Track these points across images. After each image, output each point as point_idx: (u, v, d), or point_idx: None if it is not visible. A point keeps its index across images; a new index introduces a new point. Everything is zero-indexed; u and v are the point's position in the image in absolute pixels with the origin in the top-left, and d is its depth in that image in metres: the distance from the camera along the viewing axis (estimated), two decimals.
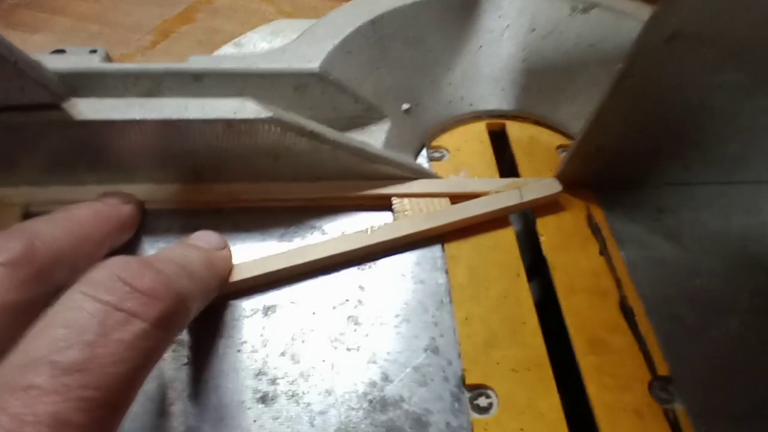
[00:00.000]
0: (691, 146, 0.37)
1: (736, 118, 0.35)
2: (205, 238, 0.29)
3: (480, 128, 0.43)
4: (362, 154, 0.35)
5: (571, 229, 0.36)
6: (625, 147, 0.36)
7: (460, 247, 0.35)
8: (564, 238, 0.36)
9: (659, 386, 0.29)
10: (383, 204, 0.37)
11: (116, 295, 0.17)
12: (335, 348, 0.30)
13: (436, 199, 0.36)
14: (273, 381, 0.28)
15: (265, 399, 0.28)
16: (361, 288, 0.33)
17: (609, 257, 0.35)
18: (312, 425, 0.27)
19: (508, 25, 0.42)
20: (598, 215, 0.37)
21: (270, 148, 0.34)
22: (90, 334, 0.15)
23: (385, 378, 0.29)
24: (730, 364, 0.30)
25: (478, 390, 0.29)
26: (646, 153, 0.37)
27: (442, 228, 0.35)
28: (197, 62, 0.35)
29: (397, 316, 0.31)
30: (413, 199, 0.36)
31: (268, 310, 0.31)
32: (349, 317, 0.31)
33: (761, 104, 0.33)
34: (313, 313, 0.31)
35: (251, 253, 0.34)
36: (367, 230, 0.34)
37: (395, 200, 0.36)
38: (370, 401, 0.28)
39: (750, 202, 0.38)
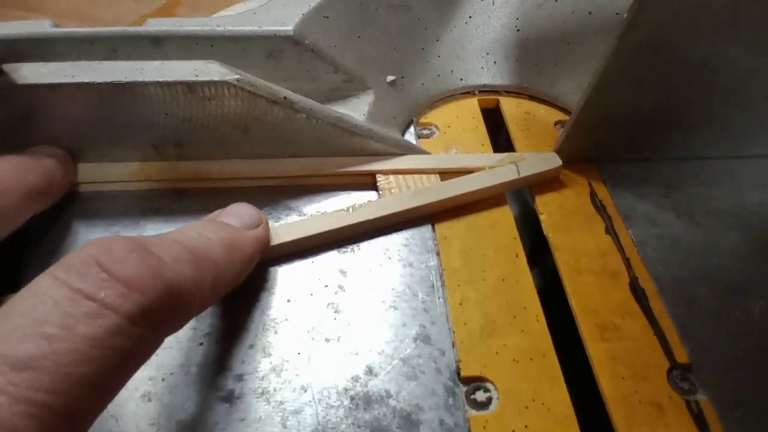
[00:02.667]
0: (699, 116, 0.34)
1: (745, 85, 0.32)
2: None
3: (472, 104, 0.40)
4: (342, 124, 0.32)
5: (574, 206, 0.33)
6: (630, 115, 0.33)
7: (452, 227, 0.32)
8: (566, 217, 0.32)
9: (679, 375, 0.26)
10: (366, 182, 0.34)
11: (89, 281, 0.14)
12: (312, 339, 0.26)
13: (425, 176, 0.33)
14: (239, 377, 0.25)
15: (230, 398, 0.24)
16: (342, 272, 0.29)
17: (616, 236, 0.31)
18: (284, 426, 0.23)
19: None
20: (602, 192, 0.34)
21: (238, 119, 0.30)
22: (50, 326, 0.12)
23: (370, 371, 0.25)
24: (755, 351, 0.27)
25: (475, 383, 0.25)
26: (651, 123, 0.34)
27: (431, 206, 0.31)
28: (156, 24, 0.32)
29: (382, 302, 0.28)
30: (400, 176, 0.33)
31: (235, 297, 0.28)
32: (329, 304, 0.28)
33: None
34: (288, 301, 0.28)
35: None
36: (348, 209, 0.30)
37: (380, 177, 0.33)
38: (352, 398, 0.24)
39: (762, 177, 0.35)
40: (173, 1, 0.89)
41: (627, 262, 0.30)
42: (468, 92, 0.41)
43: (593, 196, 0.34)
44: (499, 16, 0.40)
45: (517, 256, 0.30)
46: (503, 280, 0.29)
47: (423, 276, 0.29)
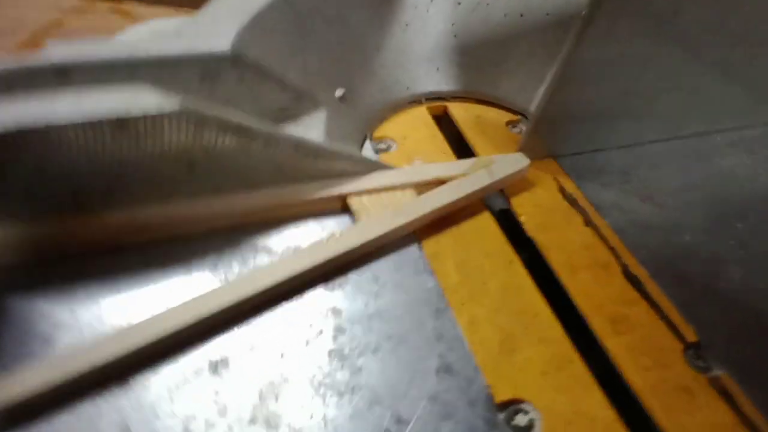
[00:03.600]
0: (644, 104, 0.36)
1: (679, 75, 0.34)
2: None
3: (422, 113, 0.38)
4: (303, 148, 0.28)
5: (548, 204, 0.33)
6: (586, 108, 0.33)
7: (439, 242, 0.30)
8: (544, 215, 0.32)
9: (693, 354, 0.26)
10: (335, 207, 0.30)
11: None
12: (323, 396, 0.22)
13: (399, 192, 0.30)
14: None
15: None
16: (336, 312, 0.25)
17: (596, 227, 0.31)
18: None
19: (432, 0, 0.39)
20: (570, 186, 0.34)
21: (182, 153, 0.26)
22: None
23: (399, 420, 0.22)
24: (750, 318, 0.28)
25: (512, 407, 0.23)
26: (604, 114, 0.34)
27: (414, 223, 0.29)
28: (59, 52, 0.26)
29: (389, 338, 0.25)
30: (373, 195, 0.30)
31: (217, 365, 0.23)
32: (330, 352, 0.24)
33: (701, 64, 0.33)
34: (282, 356, 0.23)
35: (177, 294, 0.25)
36: (326, 240, 0.27)
37: (352, 199, 0.30)
38: None
39: (699, 153, 0.38)
40: (39, 34, 0.78)
41: (613, 251, 0.30)
42: (415, 101, 0.39)
43: (563, 190, 0.34)
44: (434, 23, 0.39)
45: (511, 262, 0.29)
46: (505, 289, 0.28)
47: (424, 299, 0.27)
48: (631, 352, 0.25)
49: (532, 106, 0.39)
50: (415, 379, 0.23)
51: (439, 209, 0.29)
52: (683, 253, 0.30)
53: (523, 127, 0.39)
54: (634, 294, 0.28)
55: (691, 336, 0.26)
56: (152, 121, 0.23)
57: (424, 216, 0.29)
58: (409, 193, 0.30)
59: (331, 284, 0.27)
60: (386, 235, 0.28)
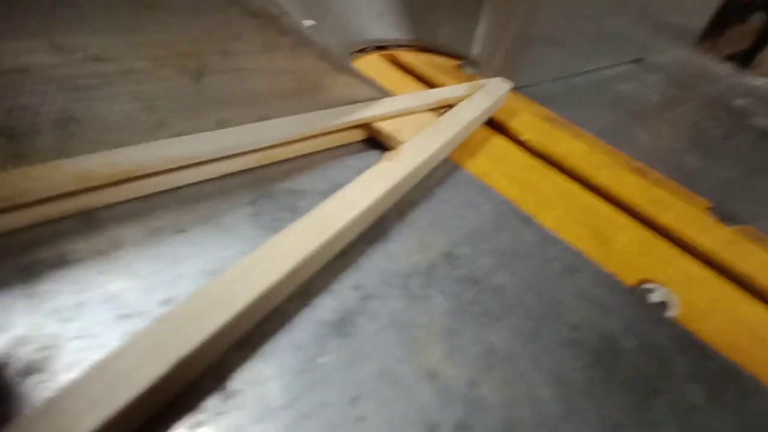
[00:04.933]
0: (575, 36, 0.39)
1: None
2: None
3: (376, 59, 0.35)
4: (329, 57, 0.22)
5: (536, 123, 0.33)
6: (550, 34, 0.35)
7: (477, 164, 0.27)
8: (539, 133, 0.32)
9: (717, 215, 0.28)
10: (357, 137, 0.25)
11: None
12: (483, 324, 0.17)
13: (420, 115, 0.27)
14: None
15: None
16: (433, 240, 0.20)
17: (586, 137, 0.33)
18: None
19: None
20: (540, 109, 0.35)
21: (192, 51, 0.17)
22: None
23: (571, 327, 0.18)
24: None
25: (641, 287, 0.21)
26: (554, 43, 0.37)
27: (455, 140, 0.26)
28: None
29: (502, 253, 0.21)
30: (397, 120, 0.26)
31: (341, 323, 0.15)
32: (461, 279, 0.19)
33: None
34: (410, 298, 0.17)
35: (226, 254, 0.17)
36: (383, 167, 0.21)
37: (380, 123, 0.25)
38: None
39: (601, 83, 0.44)
40: None
41: (611, 152, 0.32)
42: (363, 50, 0.36)
43: (539, 113, 0.34)
44: None
45: (547, 171, 0.28)
46: (561, 192, 0.26)
47: (503, 213, 0.23)
48: (680, 220, 0.27)
49: (473, 50, 0.40)
50: (549, 283, 0.20)
51: (469, 125, 0.27)
52: (643, 148, 0.34)
53: (470, 69, 0.38)
54: (646, 181, 0.30)
55: (705, 203, 0.29)
56: None
57: (462, 132, 0.26)
58: (429, 116, 0.27)
59: (408, 217, 0.21)
60: (439, 153, 0.24)
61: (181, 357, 0.12)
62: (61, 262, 0.15)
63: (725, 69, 0.59)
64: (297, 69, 0.21)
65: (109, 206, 0.17)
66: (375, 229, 0.20)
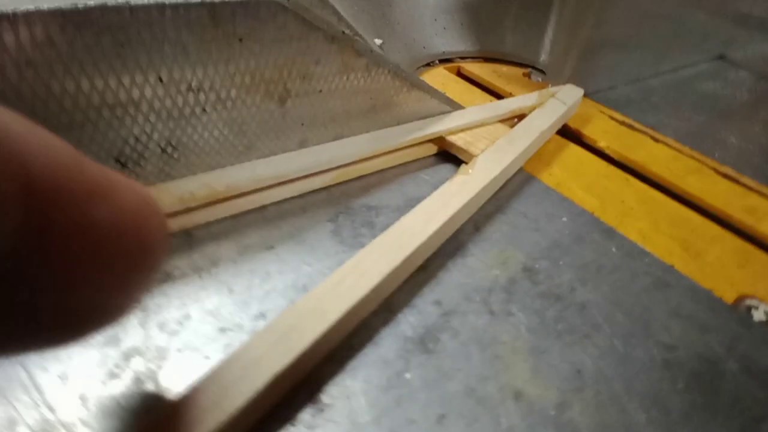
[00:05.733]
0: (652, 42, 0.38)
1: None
2: None
3: (443, 72, 0.35)
4: (401, 76, 0.23)
5: (612, 130, 0.32)
6: (622, 37, 0.34)
7: (552, 174, 0.26)
8: (617, 140, 0.30)
9: None
10: (429, 151, 0.25)
11: None
12: (572, 345, 0.17)
13: (491, 127, 0.26)
14: None
15: None
16: (512, 254, 0.20)
17: (665, 142, 0.31)
18: None
19: None
20: (615, 114, 0.34)
21: (277, 77, 0.19)
22: None
23: (666, 347, 0.17)
24: None
25: (742, 304, 0.20)
26: (627, 47, 0.36)
27: (529, 151, 0.25)
28: None
29: (584, 267, 0.20)
30: (468, 132, 0.26)
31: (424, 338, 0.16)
32: (542, 294, 0.18)
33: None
34: (492, 313, 0.17)
35: (309, 272, 0.17)
36: (459, 180, 0.21)
37: (452, 137, 0.25)
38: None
39: (685, 81, 0.41)
40: None
41: (693, 157, 0.30)
42: (429, 64, 0.36)
43: (613, 118, 0.33)
44: None
45: (627, 179, 0.27)
46: (644, 203, 0.25)
47: (584, 225, 0.23)
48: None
49: (542, 57, 0.39)
50: (638, 300, 0.19)
51: (542, 135, 0.26)
52: (733, 151, 0.32)
53: (538, 77, 0.38)
54: (739, 187, 0.28)
55: None
56: (256, 13, 0.16)
57: (535, 142, 0.25)
58: (501, 127, 0.27)
59: (485, 230, 0.21)
60: (513, 164, 0.24)
61: (278, 371, 0.13)
62: (167, 278, 0.16)
63: None
64: (371, 88, 0.22)
65: (205, 225, 0.19)
66: (452, 243, 0.20)
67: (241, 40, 0.17)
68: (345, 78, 0.21)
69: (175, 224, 0.18)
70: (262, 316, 0.16)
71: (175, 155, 0.18)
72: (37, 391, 0.13)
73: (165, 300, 0.16)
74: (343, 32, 0.19)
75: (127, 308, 0.10)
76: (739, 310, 0.20)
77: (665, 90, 0.40)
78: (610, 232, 0.22)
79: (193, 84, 0.17)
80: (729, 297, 0.20)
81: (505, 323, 0.17)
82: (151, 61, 0.15)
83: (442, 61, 0.37)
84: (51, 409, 0.13)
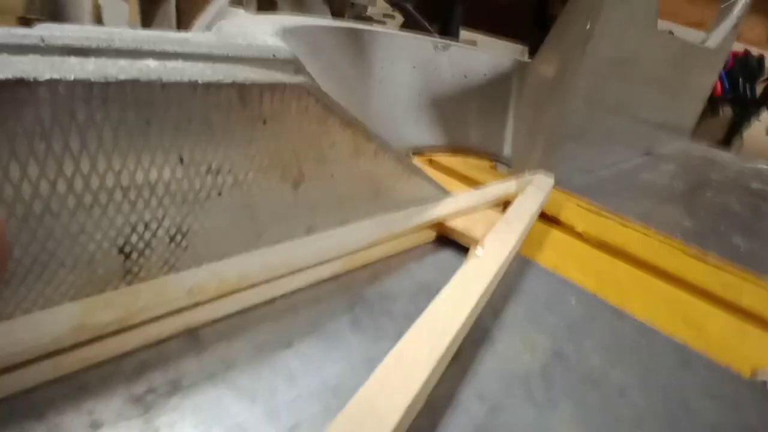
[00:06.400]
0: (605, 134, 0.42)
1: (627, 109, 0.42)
2: None
3: (417, 162, 0.36)
4: (403, 162, 0.23)
5: (582, 215, 0.33)
6: (574, 133, 0.37)
7: (546, 257, 0.26)
8: (590, 224, 0.32)
9: None
10: (429, 236, 0.25)
11: None
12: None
13: (485, 213, 0.27)
14: None
15: None
16: (538, 340, 0.19)
17: (631, 225, 0.33)
18: None
19: (392, 62, 0.39)
20: (578, 200, 0.36)
21: (293, 159, 0.18)
22: None
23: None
24: None
25: (759, 376, 0.20)
26: (583, 140, 0.39)
27: (524, 234, 0.26)
28: (68, 33, 0.16)
29: (606, 348, 0.20)
30: (465, 217, 0.26)
31: None
32: (581, 379, 0.17)
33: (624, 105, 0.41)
34: (534, 404, 0.16)
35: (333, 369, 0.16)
36: (473, 263, 0.21)
37: (453, 222, 0.25)
38: None
39: (627, 174, 0.46)
40: None
41: (660, 235, 0.32)
42: (406, 153, 0.37)
43: (579, 205, 0.35)
44: (401, 82, 0.39)
45: (612, 260, 0.28)
46: (638, 280, 0.26)
47: (592, 307, 0.22)
48: (760, 303, 0.26)
49: (505, 150, 0.41)
50: (669, 381, 0.19)
51: (532, 218, 0.27)
52: (691, 233, 0.34)
53: (503, 169, 0.40)
54: (709, 266, 0.30)
55: None
56: (282, 96, 0.16)
57: (528, 225, 0.26)
58: (492, 212, 0.27)
59: (504, 314, 0.20)
60: (516, 245, 0.24)
61: None
62: (175, 388, 0.14)
63: (726, 156, 0.62)
64: (377, 173, 0.22)
65: (213, 322, 0.16)
66: (476, 330, 0.19)
67: (265, 122, 0.16)
68: (355, 162, 0.20)
69: (180, 322, 0.15)
70: (296, 427, 0.13)
71: (183, 244, 0.16)
72: None
73: (178, 416, 0.13)
74: (359, 120, 0.19)
75: None
76: (757, 383, 0.20)
77: (614, 179, 0.43)
78: (617, 313, 0.23)
79: (213, 165, 0.15)
80: (745, 371, 0.20)
81: (553, 415, 0.16)
82: (174, 141, 0.14)
83: (415, 153, 0.38)
84: None
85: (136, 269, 0.15)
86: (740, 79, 1.28)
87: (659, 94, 0.50)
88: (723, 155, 0.62)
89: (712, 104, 1.19)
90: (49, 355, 0.13)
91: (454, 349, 0.17)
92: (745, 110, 1.34)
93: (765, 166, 0.58)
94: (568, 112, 0.36)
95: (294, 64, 0.17)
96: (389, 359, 0.15)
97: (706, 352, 0.21)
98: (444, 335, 0.16)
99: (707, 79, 0.67)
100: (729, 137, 1.27)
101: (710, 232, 0.35)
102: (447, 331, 0.16)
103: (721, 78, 1.26)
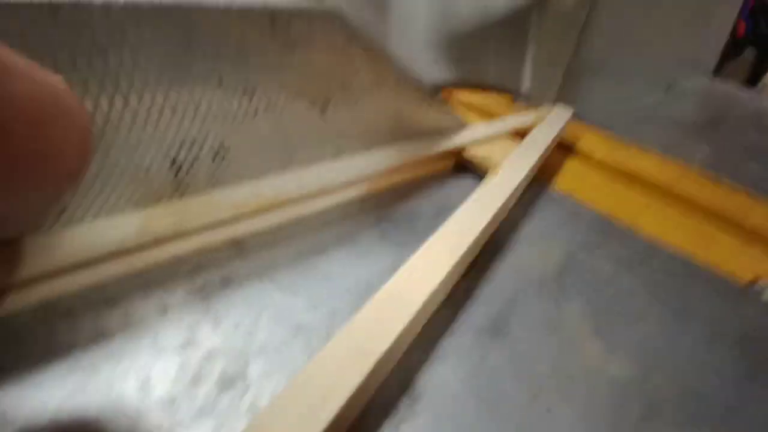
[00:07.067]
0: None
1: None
2: None
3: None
4: (423, 91, 0.24)
5: (599, 143, 0.34)
6: (594, 67, 0.37)
7: (564, 182, 0.27)
8: (608, 151, 0.33)
9: None
10: (448, 164, 0.26)
11: None
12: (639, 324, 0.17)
13: (503, 141, 0.28)
14: None
15: None
16: (554, 251, 0.21)
17: (648, 151, 0.34)
18: None
19: None
20: (601, 131, 0.36)
21: (321, 85, 0.19)
22: None
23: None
24: None
25: (754, 286, 0.21)
26: (602, 74, 0.39)
27: (541, 159, 0.27)
28: None
29: (619, 260, 0.21)
30: (485, 146, 0.27)
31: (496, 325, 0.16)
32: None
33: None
34: (557, 314, 0.17)
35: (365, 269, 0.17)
36: (491, 183, 0.22)
37: (472, 149, 0.26)
38: None
39: (661, 102, 0.45)
40: None
41: (675, 162, 0.33)
42: None
43: (602, 134, 0.36)
44: (420, 18, 0.39)
45: (628, 184, 0.29)
46: (650, 202, 0.27)
47: (604, 224, 0.24)
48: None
49: (524, 85, 0.42)
50: (674, 286, 0.20)
51: (548, 147, 0.28)
52: (708, 159, 0.35)
53: (523, 102, 0.40)
54: (721, 189, 0.30)
55: None
56: (310, 21, 0.17)
57: (544, 153, 0.27)
58: (510, 141, 0.28)
59: (521, 229, 0.22)
60: (532, 170, 0.25)
61: (380, 356, 0.12)
62: (228, 283, 0.16)
63: (748, 92, 0.61)
64: (398, 101, 0.23)
65: (255, 234, 0.18)
66: (493, 243, 0.20)
67: (294, 46, 0.17)
68: (378, 90, 0.21)
69: (226, 233, 0.17)
70: (334, 314, 0.15)
71: (225, 161, 0.17)
72: (118, 400, 0.12)
73: (232, 304, 0.15)
74: (378, 47, 0.20)
75: (51, 205, 0.09)
76: (754, 290, 0.21)
77: (635, 112, 0.43)
78: (629, 230, 0.24)
79: (248, 88, 0.17)
80: (744, 280, 0.22)
81: (566, 309, 0.18)
82: (213, 64, 0.15)
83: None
84: (139, 416, 0.12)
85: (186, 183, 0.17)
86: (762, 19, 1.22)
87: (680, 27, 0.49)
88: (744, 92, 0.61)
89: (735, 46, 1.14)
90: (118, 255, 0.15)
91: (474, 253, 0.19)
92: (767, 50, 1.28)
93: None
94: (586, 45, 0.36)
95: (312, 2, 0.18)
96: (415, 258, 0.16)
97: (710, 263, 0.22)
98: (463, 239, 0.17)
99: (728, 13, 0.64)
100: (753, 79, 1.22)
101: (726, 161, 0.35)
102: (465, 236, 0.18)
103: (743, 18, 1.20)
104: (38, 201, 0.09)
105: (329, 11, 0.17)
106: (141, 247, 0.16)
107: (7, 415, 0.11)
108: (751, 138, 0.42)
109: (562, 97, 0.37)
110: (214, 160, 0.17)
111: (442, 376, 0.14)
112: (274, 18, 0.16)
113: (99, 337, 0.13)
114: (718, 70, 0.76)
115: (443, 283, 0.16)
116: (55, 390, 0.12)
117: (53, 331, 0.13)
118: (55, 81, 0.09)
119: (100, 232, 0.15)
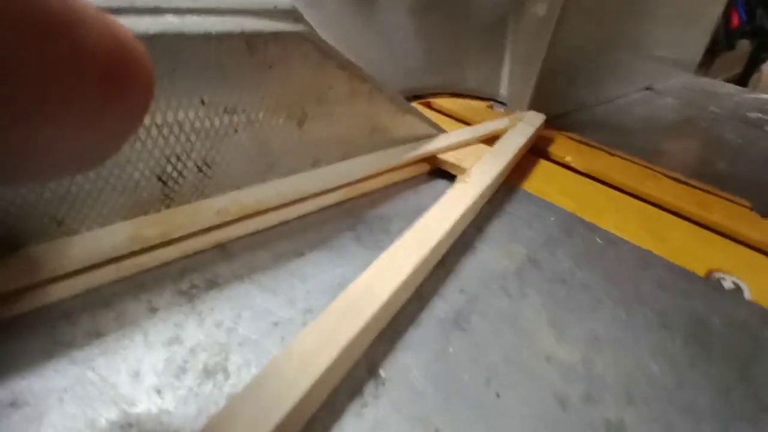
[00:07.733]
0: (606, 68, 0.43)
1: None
2: None
3: (417, 105, 0.38)
4: (397, 101, 0.25)
5: (572, 148, 0.36)
6: (568, 71, 0.39)
7: (531, 184, 0.29)
8: (578, 155, 0.34)
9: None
10: (423, 169, 0.28)
11: None
12: (597, 317, 0.19)
13: (474, 147, 0.29)
14: None
15: None
16: (517, 249, 0.22)
17: (619, 155, 0.35)
18: None
19: (390, 8, 0.41)
20: (575, 136, 0.38)
21: (298, 99, 0.20)
22: None
23: (663, 325, 0.19)
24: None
25: (712, 276, 0.23)
26: (582, 74, 0.41)
27: (511, 164, 0.28)
28: None
29: (576, 255, 0.23)
30: (457, 151, 0.28)
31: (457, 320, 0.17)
32: (551, 279, 0.21)
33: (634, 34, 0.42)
34: (510, 296, 0.19)
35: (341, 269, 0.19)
36: (460, 188, 0.24)
37: (444, 155, 0.27)
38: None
39: (640, 102, 0.47)
40: None
41: (643, 165, 0.34)
42: (405, 96, 0.39)
43: (571, 138, 0.37)
44: (399, 26, 0.41)
45: (594, 185, 0.30)
46: (612, 199, 0.29)
47: (567, 222, 0.25)
48: (728, 218, 0.28)
49: (501, 90, 0.43)
50: (629, 278, 0.22)
51: (519, 151, 0.29)
52: (676, 161, 0.36)
53: (500, 108, 0.42)
54: (688, 188, 0.32)
55: (745, 202, 0.31)
56: (284, 43, 0.19)
57: (515, 156, 0.28)
58: (482, 146, 0.30)
59: (487, 230, 0.23)
60: (501, 174, 0.26)
61: (345, 344, 0.14)
62: (212, 285, 0.17)
63: (730, 88, 0.62)
64: (372, 112, 0.24)
65: (238, 239, 0.20)
66: (461, 243, 0.22)
67: (270, 66, 0.19)
68: (352, 102, 0.23)
69: (211, 239, 0.19)
70: (309, 311, 0.17)
71: (209, 174, 0.19)
72: (112, 390, 0.13)
73: (215, 303, 0.17)
74: (354, 64, 0.22)
75: (113, 146, 0.09)
76: (711, 281, 0.23)
77: (610, 114, 0.45)
78: (591, 226, 0.25)
79: (229, 106, 0.18)
80: (701, 272, 0.23)
81: (524, 303, 0.19)
82: (195, 84, 0.17)
83: (415, 97, 0.40)
84: (130, 404, 0.13)
85: (172, 195, 0.18)
86: (758, 10, 1.23)
87: (659, 27, 0.51)
88: (726, 87, 0.62)
89: (729, 37, 1.16)
90: (110, 261, 0.17)
91: (440, 253, 0.20)
92: (763, 42, 1.29)
93: (766, 96, 0.59)
94: (559, 49, 0.37)
95: (293, 14, 0.19)
96: (383, 257, 0.18)
97: (667, 257, 0.24)
98: (429, 239, 0.19)
99: (712, 9, 0.66)
100: (747, 72, 1.24)
101: (696, 160, 0.37)
102: (432, 237, 0.19)
103: (737, 8, 1.22)
104: (109, 139, 0.09)
105: (301, 32, 0.19)
106: (132, 254, 0.17)
107: (18, 401, 0.13)
108: (726, 136, 0.44)
109: (537, 100, 0.39)
110: (198, 172, 0.19)
111: (405, 364, 0.16)
112: (249, 41, 0.18)
113: (95, 335, 0.15)
114: (709, 64, 0.78)
115: (409, 278, 0.18)
116: (57, 380, 0.13)
117: (54, 330, 0.15)
118: (125, 30, 0.09)
119: (95, 241, 0.16)
